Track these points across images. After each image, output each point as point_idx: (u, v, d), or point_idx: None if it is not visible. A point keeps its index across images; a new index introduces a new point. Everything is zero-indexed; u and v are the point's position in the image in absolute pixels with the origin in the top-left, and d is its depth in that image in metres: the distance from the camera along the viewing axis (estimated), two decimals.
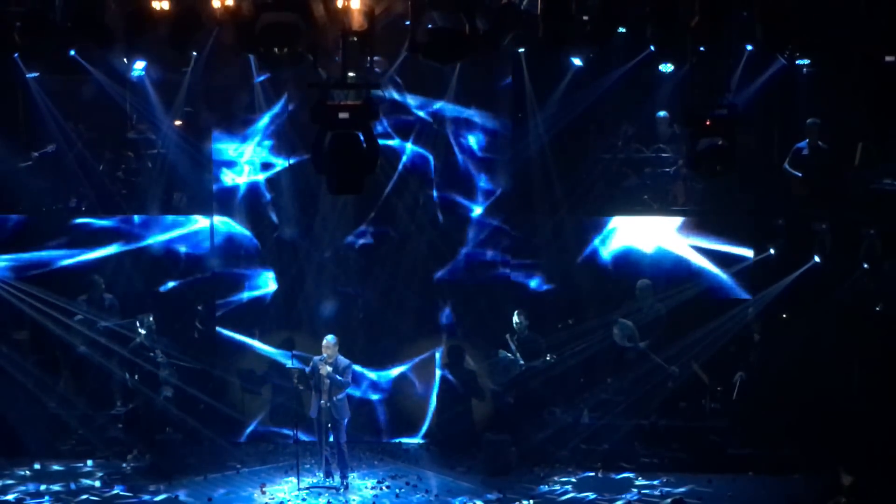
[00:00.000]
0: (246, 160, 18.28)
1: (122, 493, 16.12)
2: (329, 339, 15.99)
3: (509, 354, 17.43)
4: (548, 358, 17.34)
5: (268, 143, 18.24)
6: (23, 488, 16.19)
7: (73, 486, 16.28)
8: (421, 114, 18.21)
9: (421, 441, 18.29)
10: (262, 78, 17.67)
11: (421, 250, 18.30)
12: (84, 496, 15.98)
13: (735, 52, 15.83)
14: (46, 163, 18.25)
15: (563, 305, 18.14)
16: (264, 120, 18.11)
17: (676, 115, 17.74)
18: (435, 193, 18.32)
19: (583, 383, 17.75)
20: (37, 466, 16.99)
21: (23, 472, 16.79)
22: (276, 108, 18.05)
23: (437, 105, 18.13)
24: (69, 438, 17.60)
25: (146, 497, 15.98)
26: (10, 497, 15.84)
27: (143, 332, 17.29)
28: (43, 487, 16.21)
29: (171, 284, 18.31)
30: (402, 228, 18.34)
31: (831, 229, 17.48)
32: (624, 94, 17.75)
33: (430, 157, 18.31)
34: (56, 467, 17.04)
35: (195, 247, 18.38)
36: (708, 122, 14.11)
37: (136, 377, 17.34)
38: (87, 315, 17.71)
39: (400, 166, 18.31)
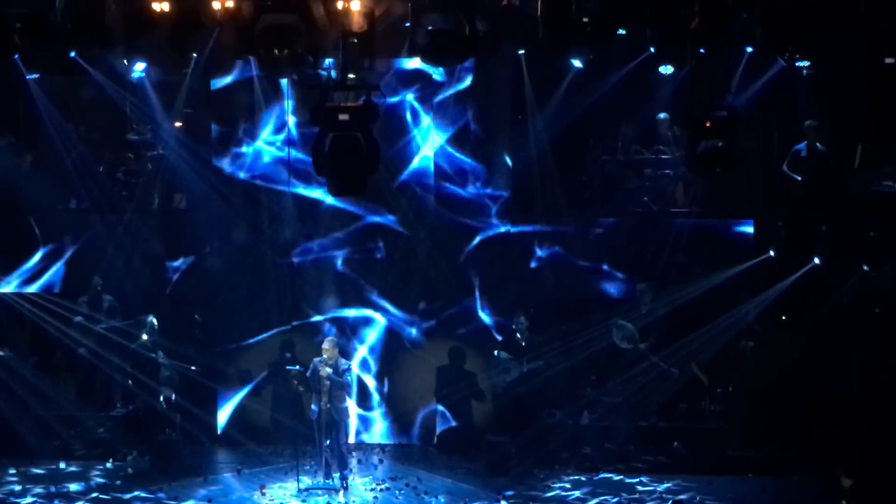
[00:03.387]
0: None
1: (120, 494, 16.12)
2: (329, 340, 16.01)
3: (508, 355, 17.46)
4: (522, 367, 17.36)
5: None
6: (8, 489, 16.20)
7: (52, 489, 16.26)
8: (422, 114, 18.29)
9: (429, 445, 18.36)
10: None
11: (421, 258, 18.31)
12: (82, 498, 16.00)
13: (735, 54, 15.85)
14: (46, 164, 18.27)
15: (565, 306, 18.15)
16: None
17: (676, 117, 17.73)
18: (435, 197, 18.34)
19: (582, 385, 17.76)
20: (62, 465, 17.06)
21: (40, 471, 16.88)
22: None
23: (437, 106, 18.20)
24: (69, 440, 17.58)
25: (145, 497, 16.00)
26: (27, 500, 15.88)
27: (144, 333, 17.28)
28: (18, 489, 16.17)
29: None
30: (402, 235, 18.35)
31: (831, 231, 17.49)
32: (624, 96, 17.75)
33: (431, 159, 18.34)
34: (71, 469, 17.11)
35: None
36: (708, 124, 14.14)
37: (137, 378, 17.33)
38: (87, 316, 17.72)
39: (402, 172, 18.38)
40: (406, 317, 18.38)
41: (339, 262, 18.40)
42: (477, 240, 18.28)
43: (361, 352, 18.36)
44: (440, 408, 18.26)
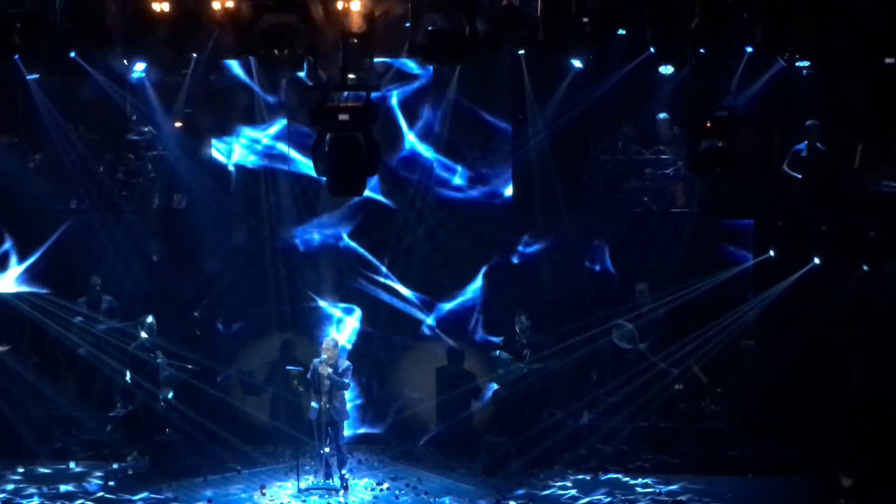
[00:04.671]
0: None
1: (121, 494, 16.12)
2: (329, 340, 16.01)
3: (508, 355, 17.46)
4: (522, 367, 17.34)
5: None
6: (8, 489, 16.20)
7: (45, 489, 16.24)
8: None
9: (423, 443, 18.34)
10: None
11: (419, 257, 18.32)
12: (80, 498, 16.01)
13: (735, 54, 15.85)
14: (46, 164, 18.27)
15: (565, 306, 18.15)
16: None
17: (676, 117, 17.73)
18: (435, 196, 18.36)
19: (582, 385, 17.76)
20: (72, 465, 17.08)
21: (46, 471, 16.92)
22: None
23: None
24: (69, 440, 17.57)
25: (145, 497, 15.99)
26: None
27: (144, 333, 17.26)
28: (11, 487, 16.19)
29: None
30: (401, 232, 18.37)
31: (831, 231, 17.49)
32: (624, 96, 17.74)
33: (430, 160, 18.36)
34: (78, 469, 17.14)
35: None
36: (708, 124, 14.14)
37: (136, 378, 17.32)
38: (87, 317, 17.72)
39: (397, 166, 18.39)
40: (411, 300, 18.48)
41: (339, 246, 18.49)
42: (482, 271, 18.38)
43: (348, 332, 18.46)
44: (438, 407, 18.29)
